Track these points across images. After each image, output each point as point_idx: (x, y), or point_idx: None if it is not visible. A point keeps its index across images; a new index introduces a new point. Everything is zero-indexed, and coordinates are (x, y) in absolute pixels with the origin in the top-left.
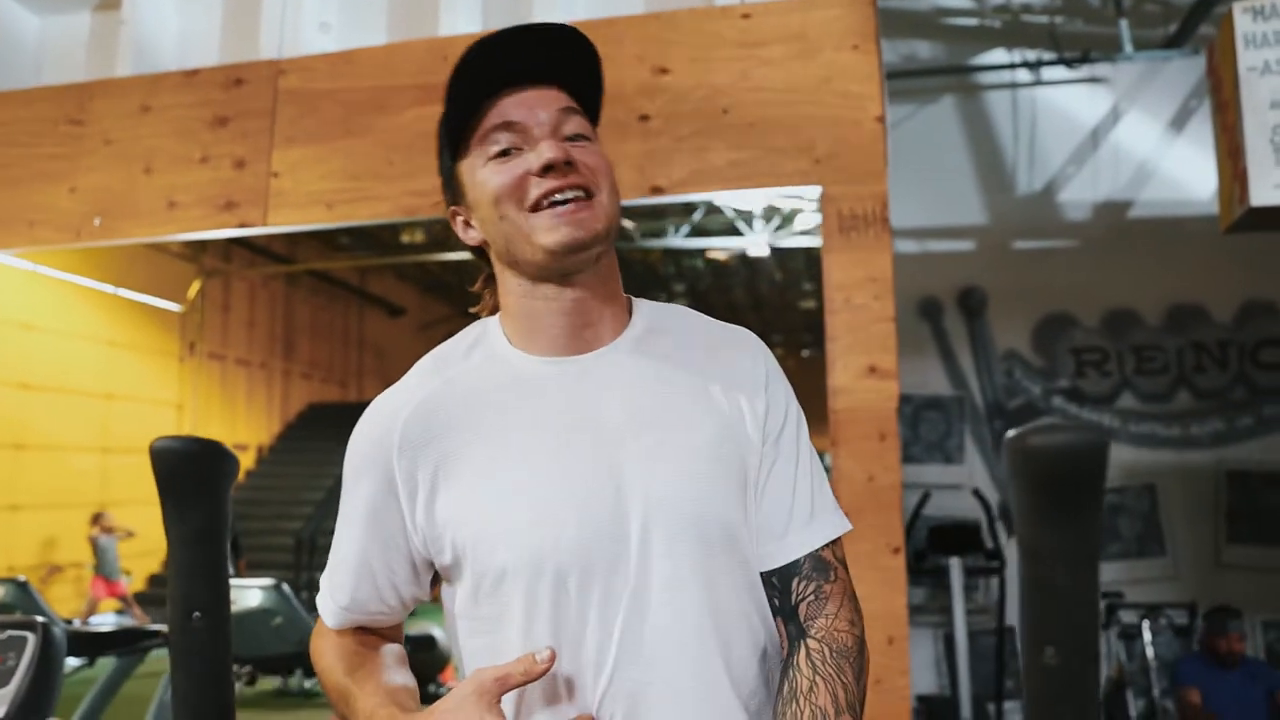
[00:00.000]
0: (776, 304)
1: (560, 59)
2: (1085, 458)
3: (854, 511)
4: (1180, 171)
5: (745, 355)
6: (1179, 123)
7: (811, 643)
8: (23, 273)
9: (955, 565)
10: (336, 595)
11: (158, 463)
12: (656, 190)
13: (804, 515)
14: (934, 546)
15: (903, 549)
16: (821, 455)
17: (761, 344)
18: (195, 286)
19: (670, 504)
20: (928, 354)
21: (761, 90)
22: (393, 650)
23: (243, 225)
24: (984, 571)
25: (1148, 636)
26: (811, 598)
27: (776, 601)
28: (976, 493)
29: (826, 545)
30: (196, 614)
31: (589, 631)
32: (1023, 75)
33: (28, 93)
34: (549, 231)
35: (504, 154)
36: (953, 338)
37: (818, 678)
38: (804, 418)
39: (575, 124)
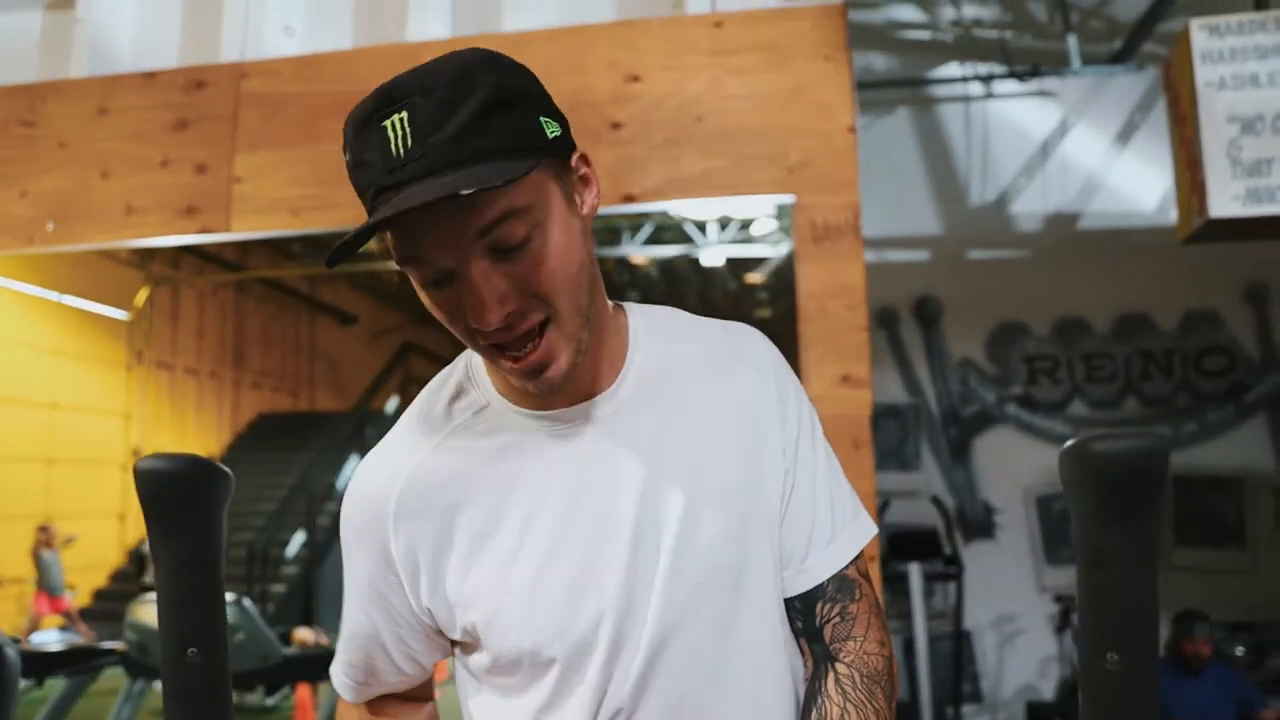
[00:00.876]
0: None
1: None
2: (1149, 463)
3: None
4: (1127, 184)
5: (753, 369)
6: (1125, 136)
7: (841, 668)
8: None
9: (915, 571)
10: (352, 672)
11: (143, 485)
12: (629, 198)
13: (825, 535)
14: (894, 553)
15: (878, 556)
16: None
17: (765, 343)
18: (143, 294)
19: (693, 563)
20: (884, 362)
21: (734, 99)
22: (426, 713)
23: (204, 231)
24: (942, 577)
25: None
26: (837, 619)
27: (799, 624)
28: (935, 499)
29: (850, 562)
30: (192, 650)
31: (614, 700)
32: (975, 88)
33: None
34: (512, 376)
35: (436, 283)
36: (909, 346)
37: (848, 704)
38: (816, 415)
39: (503, 231)
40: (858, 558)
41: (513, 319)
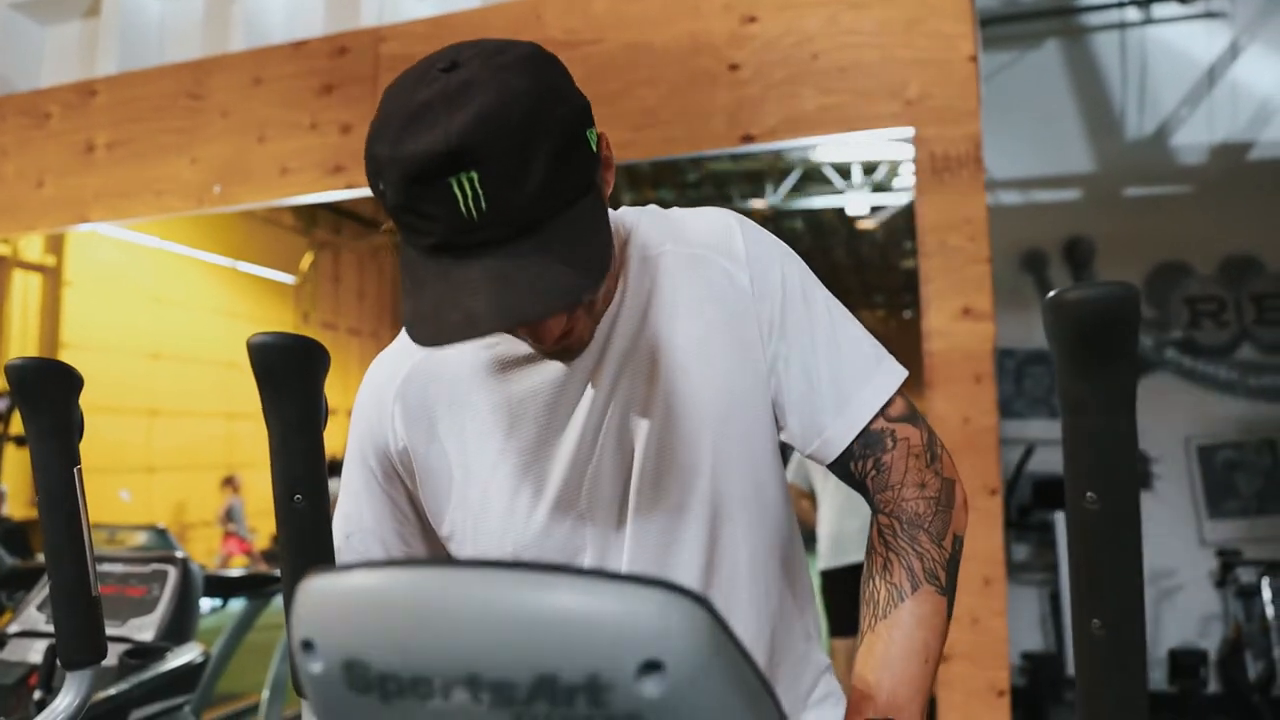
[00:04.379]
0: (878, 264)
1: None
2: (1121, 309)
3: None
4: None
5: (725, 256)
6: None
7: (881, 518)
8: (150, 250)
9: (1061, 520)
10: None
11: (255, 356)
12: (747, 139)
13: (835, 400)
14: (1038, 501)
15: (999, 491)
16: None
17: (738, 226)
18: (308, 259)
19: (672, 467)
20: (1032, 307)
21: (851, 34)
22: None
23: (350, 187)
24: None
25: (1267, 595)
26: (873, 472)
27: (850, 485)
28: None
29: (873, 416)
30: (298, 496)
31: None
32: (1132, 14)
33: (150, 72)
34: (536, 348)
35: None
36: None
37: (890, 553)
38: (811, 280)
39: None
40: (887, 406)
41: (560, 333)
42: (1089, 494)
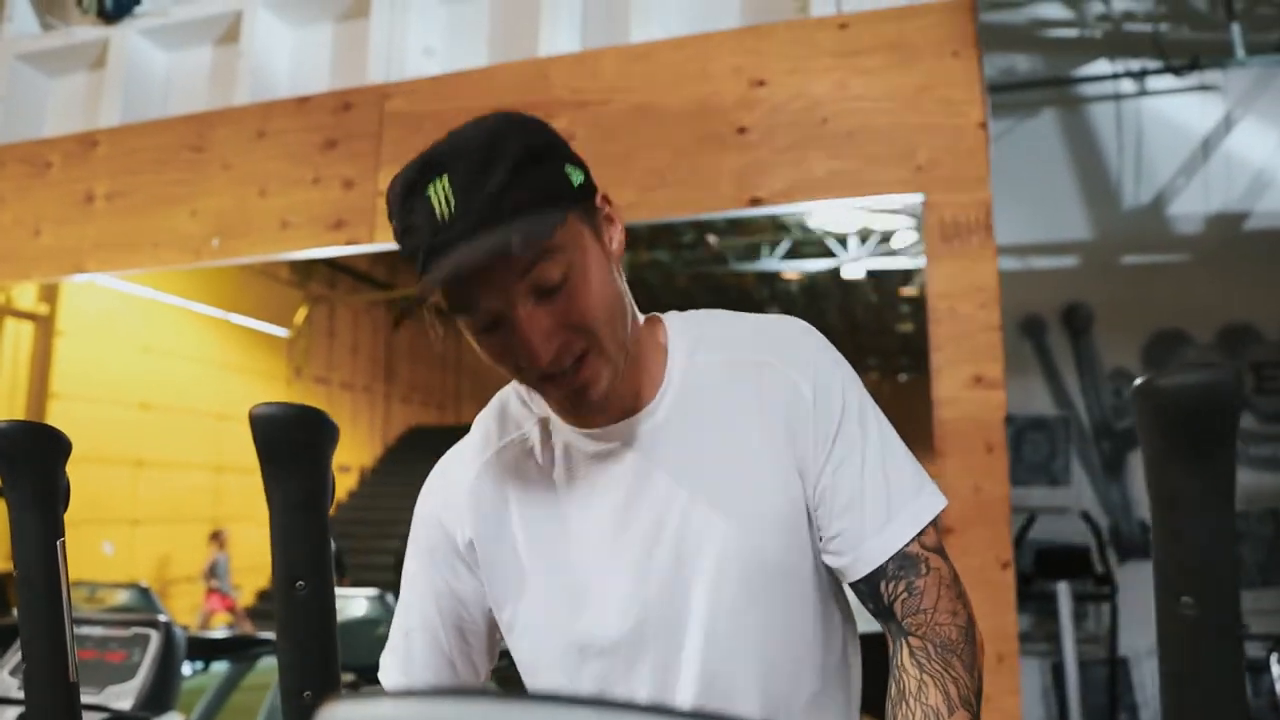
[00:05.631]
0: (872, 327)
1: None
2: (1219, 396)
3: (961, 525)
4: None
5: (790, 365)
6: None
7: (913, 640)
8: (143, 300)
9: (1064, 590)
10: (401, 663)
11: (257, 428)
12: (755, 201)
13: (878, 519)
14: (1041, 571)
15: (1011, 564)
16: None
17: (805, 336)
18: (302, 312)
19: (734, 570)
20: (1030, 373)
21: (860, 99)
22: None
23: (350, 242)
24: (1094, 598)
25: (1276, 671)
26: (905, 595)
27: (871, 606)
28: (1085, 515)
29: (911, 539)
30: (300, 583)
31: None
32: (1127, 86)
33: (154, 124)
34: (557, 402)
35: (487, 329)
36: (1057, 356)
37: (925, 676)
38: (868, 400)
39: (542, 272)
40: (922, 533)
41: (559, 352)
42: (1184, 598)
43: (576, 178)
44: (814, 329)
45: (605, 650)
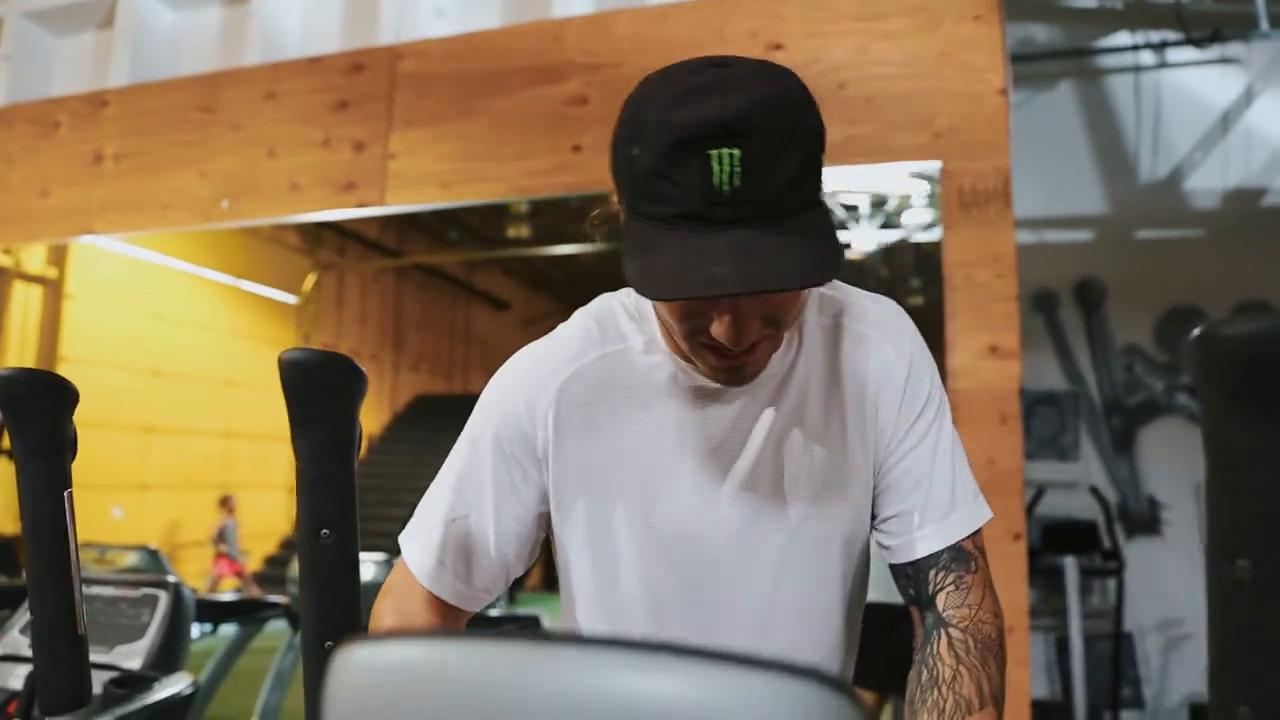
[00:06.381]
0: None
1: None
2: None
3: None
4: None
5: (892, 344)
6: None
7: (954, 632)
8: (153, 266)
9: (1071, 565)
10: (443, 554)
11: (286, 374)
12: None
13: (942, 507)
14: (1048, 545)
15: (1024, 536)
16: None
17: (907, 322)
18: (311, 280)
19: (812, 529)
20: (1041, 348)
21: (880, 64)
22: None
23: (361, 205)
24: (1100, 572)
25: None
26: (951, 588)
27: (912, 591)
28: (1094, 490)
29: (967, 536)
30: (325, 531)
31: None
32: (1146, 58)
33: (163, 84)
34: (711, 370)
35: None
36: (1069, 331)
37: (961, 667)
38: (946, 400)
39: (785, 295)
40: (976, 534)
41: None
42: (1240, 561)
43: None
44: (907, 314)
45: (666, 582)
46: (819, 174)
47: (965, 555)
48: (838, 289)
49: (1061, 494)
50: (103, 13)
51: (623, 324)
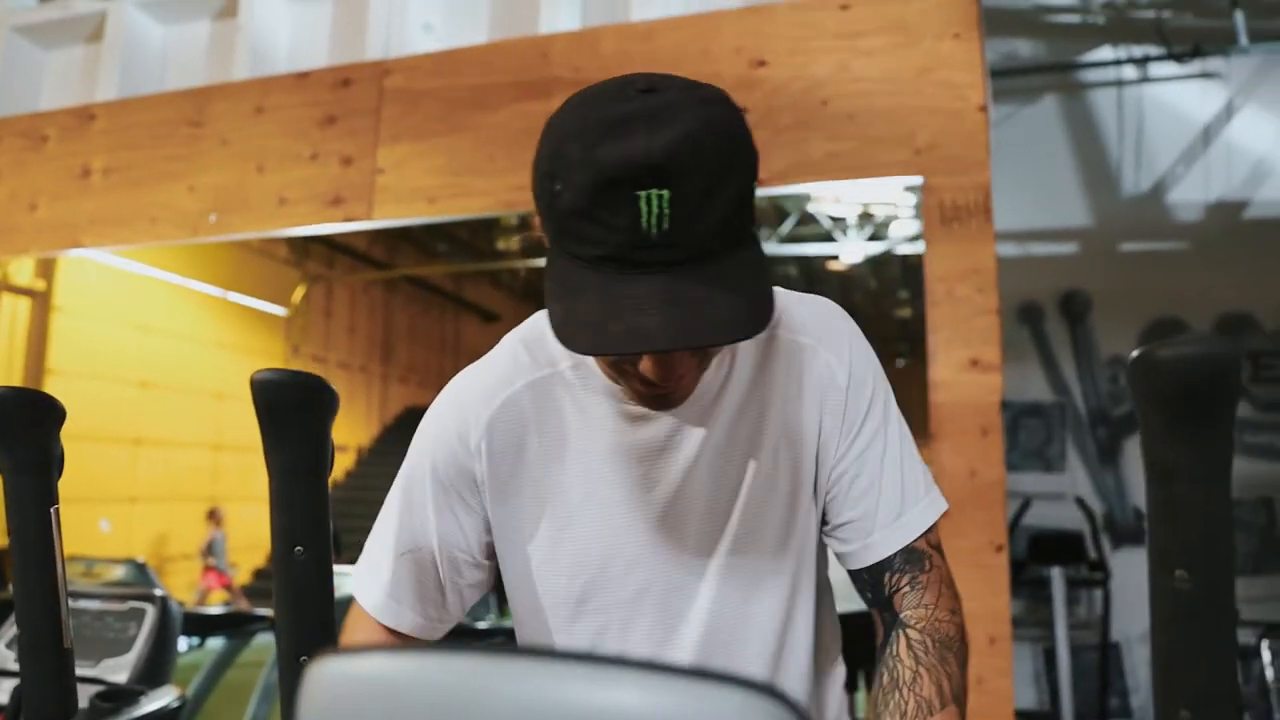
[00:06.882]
0: (870, 313)
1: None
2: (1221, 369)
3: (955, 508)
4: None
5: (830, 350)
6: None
7: (912, 633)
8: (141, 278)
9: (1057, 575)
10: (395, 589)
11: (258, 394)
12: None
13: (891, 511)
14: (1034, 556)
15: (1006, 547)
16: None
17: (843, 321)
18: (299, 291)
19: (753, 545)
20: (1027, 359)
21: (861, 81)
22: None
23: (349, 219)
24: (1086, 583)
25: (1266, 657)
26: (907, 589)
27: (869, 594)
28: (1080, 501)
29: (920, 535)
30: (298, 548)
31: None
32: (1129, 72)
33: (152, 98)
34: (634, 397)
35: None
36: (1054, 343)
37: (920, 668)
38: (891, 394)
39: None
40: (928, 532)
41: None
42: (1178, 572)
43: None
44: (847, 315)
45: (604, 606)
46: (751, 208)
47: (919, 555)
48: (793, 297)
49: (1048, 505)
50: (92, 27)
51: (551, 347)
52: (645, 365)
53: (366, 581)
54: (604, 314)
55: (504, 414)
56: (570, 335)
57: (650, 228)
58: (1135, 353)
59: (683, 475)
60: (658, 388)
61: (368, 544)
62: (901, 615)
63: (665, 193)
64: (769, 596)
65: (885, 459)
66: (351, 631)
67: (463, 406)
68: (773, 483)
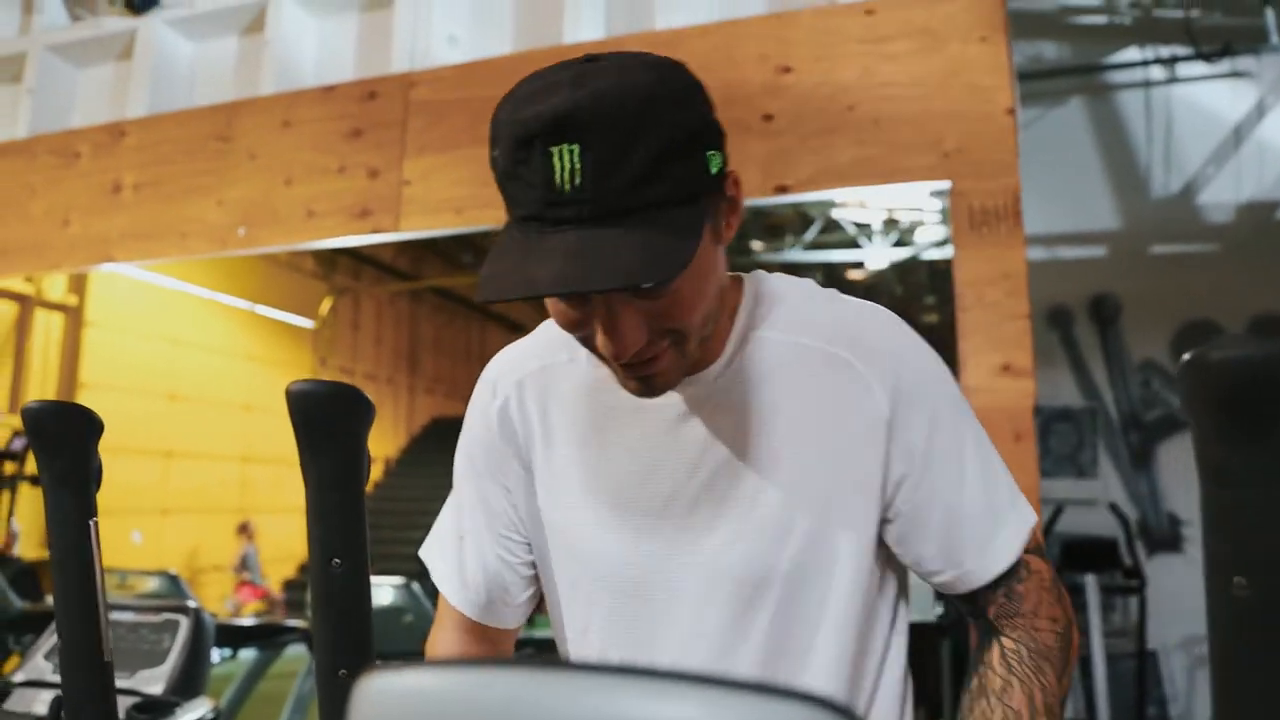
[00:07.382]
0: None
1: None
2: (1272, 369)
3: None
4: None
5: (871, 375)
6: None
7: (1007, 642)
8: (171, 292)
9: (1091, 583)
10: (457, 569)
11: (295, 405)
12: (781, 189)
13: (981, 536)
14: (1067, 563)
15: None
16: None
17: (893, 340)
18: (327, 303)
19: (713, 565)
20: (1058, 364)
21: (887, 86)
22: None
23: (376, 231)
24: (1122, 590)
25: None
26: (1003, 600)
27: (965, 606)
28: (1113, 507)
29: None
30: (335, 560)
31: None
32: (1157, 73)
33: (181, 114)
34: (620, 381)
35: (564, 299)
36: (1084, 347)
37: (1013, 677)
38: (961, 405)
39: (651, 290)
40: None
41: (642, 349)
42: (1236, 579)
43: (716, 164)
44: (903, 323)
45: (613, 590)
46: (686, 172)
47: (1011, 569)
48: (817, 300)
49: (1080, 511)
50: (122, 45)
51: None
52: (599, 339)
53: (437, 567)
54: (511, 269)
55: (521, 391)
56: (479, 288)
57: (564, 184)
58: (1186, 356)
59: (680, 474)
60: (633, 367)
61: (434, 527)
62: (997, 623)
63: (575, 148)
64: (758, 621)
65: (963, 485)
66: (437, 620)
67: (487, 382)
68: (779, 500)
